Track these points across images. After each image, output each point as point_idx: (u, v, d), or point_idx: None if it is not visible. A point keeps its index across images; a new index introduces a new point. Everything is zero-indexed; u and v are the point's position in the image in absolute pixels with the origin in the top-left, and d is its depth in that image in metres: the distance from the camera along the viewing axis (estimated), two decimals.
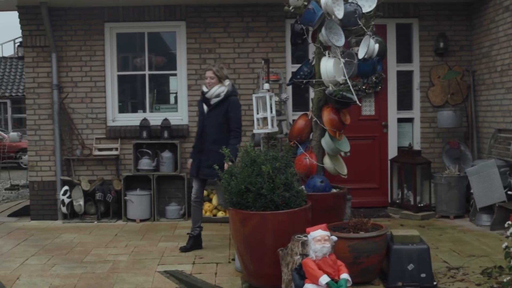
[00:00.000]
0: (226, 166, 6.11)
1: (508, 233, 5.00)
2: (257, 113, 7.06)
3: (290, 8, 6.91)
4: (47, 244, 7.73)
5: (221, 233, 8.20)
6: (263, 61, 7.98)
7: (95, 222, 9.13)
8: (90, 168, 9.56)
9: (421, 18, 9.70)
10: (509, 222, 5.12)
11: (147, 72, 9.82)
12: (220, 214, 9.00)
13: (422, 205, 9.17)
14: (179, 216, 9.26)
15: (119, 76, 9.74)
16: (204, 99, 7.16)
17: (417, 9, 9.64)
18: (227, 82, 7.13)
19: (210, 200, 9.23)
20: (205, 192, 9.19)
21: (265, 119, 7.07)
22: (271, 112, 7.01)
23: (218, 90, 7.05)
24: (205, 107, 7.16)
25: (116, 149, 9.49)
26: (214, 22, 9.54)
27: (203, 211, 8.92)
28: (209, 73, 7.11)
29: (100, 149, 9.52)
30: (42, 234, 8.37)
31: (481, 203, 8.23)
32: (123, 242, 7.77)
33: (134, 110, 9.98)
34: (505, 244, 5.01)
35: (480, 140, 9.42)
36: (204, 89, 7.17)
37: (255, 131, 7.20)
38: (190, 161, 7.46)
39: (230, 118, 7.01)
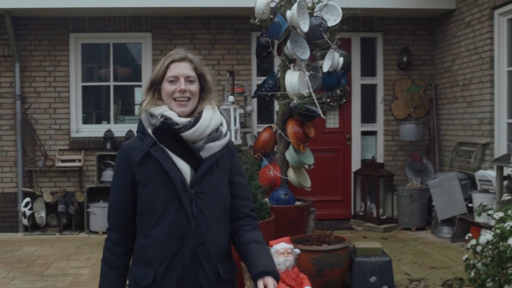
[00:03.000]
0: None
1: (469, 245, 5.07)
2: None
3: (256, 21, 6.94)
4: (7, 257, 7.61)
5: None
6: (228, 74, 8.01)
7: (57, 235, 9.01)
8: (53, 179, 9.45)
9: (385, 33, 9.83)
10: (470, 235, 5.19)
11: (112, 83, 9.77)
12: None
13: (384, 217, 9.25)
14: None
15: (83, 87, 9.67)
16: (175, 144, 2.67)
17: (381, 24, 9.76)
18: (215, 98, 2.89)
19: None
20: None
21: None
22: (235, 124, 7.03)
23: (214, 121, 2.75)
24: (175, 168, 2.65)
25: (80, 160, 9.40)
26: (180, 33, 9.54)
27: None
28: (182, 68, 2.71)
29: (63, 161, 9.42)
30: (2, 247, 8.23)
31: (443, 216, 8.33)
32: (85, 255, 7.69)
33: (98, 121, 9.90)
34: (466, 256, 5.08)
35: (442, 153, 9.56)
36: (171, 115, 2.67)
37: None
38: None
39: (236, 189, 2.83)
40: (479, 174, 7.81)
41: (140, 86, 9.78)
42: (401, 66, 9.80)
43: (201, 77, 2.74)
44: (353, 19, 9.44)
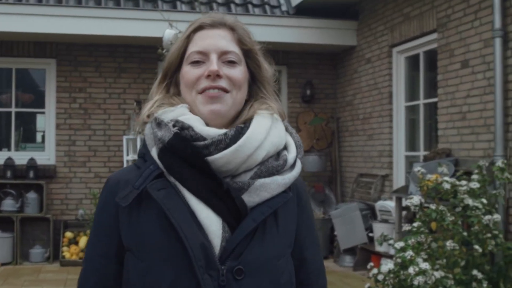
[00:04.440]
0: None
1: (371, 274, 5.25)
2: (127, 155, 7.02)
3: (164, 51, 6.97)
4: None
5: None
6: (135, 102, 7.99)
7: None
8: None
9: (289, 66, 10.08)
10: (372, 264, 5.39)
11: (13, 109, 9.50)
12: None
13: None
14: (44, 259, 8.93)
15: None
16: (196, 176, 1.50)
17: (286, 57, 10.02)
18: (275, 100, 1.68)
19: (76, 243, 8.98)
20: (72, 235, 8.96)
21: (135, 161, 7.06)
22: None
23: (274, 138, 1.56)
24: (191, 223, 1.47)
25: None
26: (85, 61, 9.43)
27: (69, 254, 8.69)
28: (215, 38, 1.58)
29: None
30: None
31: (344, 245, 8.56)
32: None
33: None
34: (368, 284, 5.26)
35: (344, 184, 9.84)
36: (193, 121, 1.53)
37: None
38: None
39: (303, 266, 1.66)
40: (379, 204, 8.10)
41: (43, 113, 9.55)
42: (305, 99, 10.06)
43: (250, 56, 1.62)
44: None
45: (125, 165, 7.01)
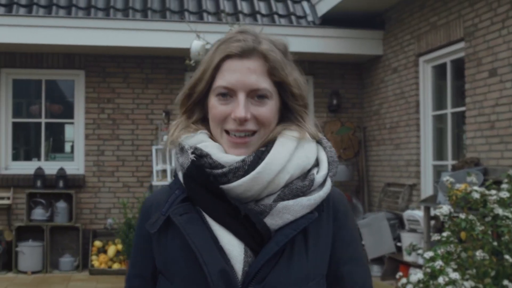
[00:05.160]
0: None
1: (400, 284, 5.24)
2: (157, 165, 7.09)
3: (192, 62, 7.04)
4: None
5: (116, 285, 8.07)
6: (164, 113, 8.06)
7: None
8: None
9: (315, 76, 10.10)
10: (400, 273, 5.37)
11: (43, 120, 9.65)
12: (116, 266, 8.86)
13: None
14: (73, 268, 9.03)
15: (13, 123, 9.51)
16: (214, 202, 1.49)
17: (312, 67, 10.03)
18: (309, 120, 1.59)
19: (105, 252, 9.07)
20: (101, 244, 9.05)
21: (164, 171, 7.12)
22: (171, 164, 7.07)
23: (299, 160, 1.52)
24: (213, 248, 1.46)
25: (8, 198, 9.19)
26: (113, 72, 9.54)
27: (98, 263, 8.78)
28: (244, 73, 1.50)
29: None
30: None
31: (372, 254, 8.53)
32: None
33: (29, 158, 9.75)
34: None
35: (371, 194, 9.82)
36: (211, 148, 1.53)
37: (154, 183, 7.21)
38: None
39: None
40: (407, 214, 8.07)
41: (72, 123, 9.68)
42: (331, 109, 10.07)
43: (283, 87, 1.52)
44: None
45: (154, 175, 7.10)
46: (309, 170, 1.51)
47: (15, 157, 9.62)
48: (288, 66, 1.53)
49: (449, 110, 7.97)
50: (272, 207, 1.44)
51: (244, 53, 1.48)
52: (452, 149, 7.92)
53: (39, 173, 9.11)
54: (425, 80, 8.37)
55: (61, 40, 8.71)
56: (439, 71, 8.27)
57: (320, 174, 1.51)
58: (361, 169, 10.00)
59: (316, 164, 1.54)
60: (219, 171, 1.45)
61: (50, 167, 9.29)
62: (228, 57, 1.49)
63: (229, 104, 1.48)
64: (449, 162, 7.81)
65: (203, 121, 1.58)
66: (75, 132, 9.62)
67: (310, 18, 9.65)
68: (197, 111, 1.58)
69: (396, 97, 8.93)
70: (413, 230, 7.90)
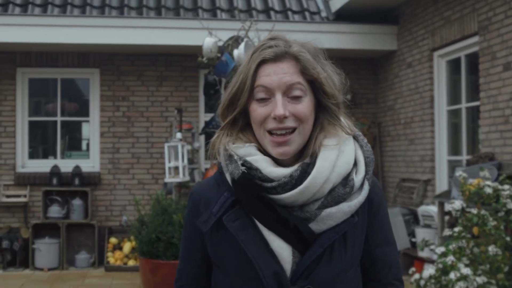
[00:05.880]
0: None
1: (413, 279, 5.23)
2: (169, 162, 7.11)
3: (204, 59, 7.06)
4: None
5: (131, 281, 8.12)
6: (176, 110, 8.08)
7: (0, 272, 8.83)
8: None
9: None
10: (413, 269, 5.36)
11: (59, 118, 9.72)
12: (131, 263, 8.91)
13: None
14: (89, 264, 9.10)
15: (30, 122, 9.59)
16: (265, 211, 1.63)
17: None
18: (345, 120, 1.73)
19: (121, 249, 9.13)
20: (116, 240, 9.11)
21: (176, 168, 7.15)
22: (183, 161, 7.09)
23: (341, 168, 1.63)
24: (265, 252, 1.63)
25: (25, 196, 9.28)
26: (128, 70, 9.59)
27: (114, 260, 8.83)
28: (279, 75, 1.62)
29: (8, 196, 9.28)
30: None
31: None
32: None
33: (45, 156, 9.83)
34: None
35: (386, 189, 9.79)
36: (260, 162, 1.63)
37: (167, 180, 7.23)
38: None
39: (375, 270, 1.77)
40: (422, 209, 8.03)
41: (87, 121, 9.75)
42: (345, 104, 10.01)
43: (316, 85, 1.64)
44: None
45: (166, 172, 7.12)
46: (349, 175, 1.63)
47: (32, 156, 9.70)
48: (319, 65, 1.65)
49: (463, 105, 7.91)
50: (317, 214, 1.59)
51: (277, 57, 1.62)
52: (467, 144, 7.87)
53: (55, 171, 9.18)
54: (440, 75, 8.32)
55: (76, 39, 8.76)
56: (454, 66, 8.21)
57: (358, 178, 1.64)
58: (376, 165, 9.96)
59: (355, 163, 1.66)
60: (269, 184, 1.59)
61: (66, 165, 9.36)
62: (263, 62, 1.62)
63: (268, 105, 1.61)
64: (464, 157, 7.76)
65: (247, 127, 1.70)
66: (90, 130, 9.68)
67: (323, 14, 9.63)
68: (241, 119, 1.69)
69: (411, 92, 8.89)
70: (427, 226, 7.86)
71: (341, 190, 1.60)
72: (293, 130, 1.60)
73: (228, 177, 1.66)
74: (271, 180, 1.58)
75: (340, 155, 1.61)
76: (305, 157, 1.62)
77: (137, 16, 9.04)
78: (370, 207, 1.70)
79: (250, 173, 1.59)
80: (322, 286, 1.60)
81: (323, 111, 1.67)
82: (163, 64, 9.65)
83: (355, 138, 1.69)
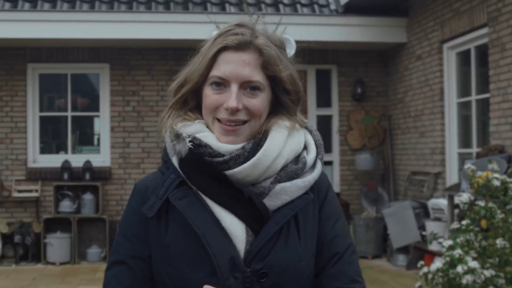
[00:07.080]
0: None
1: (421, 273, 5.21)
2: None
3: None
4: None
5: None
6: None
7: (13, 266, 8.90)
8: (9, 210, 9.36)
9: (339, 65, 10.05)
10: (422, 262, 5.34)
11: (69, 113, 9.77)
12: None
13: None
14: (100, 259, 9.15)
15: (41, 117, 9.64)
16: (217, 187, 1.56)
17: (335, 56, 9.98)
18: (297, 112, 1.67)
19: None
20: None
21: None
22: None
23: (292, 146, 1.60)
24: (216, 231, 1.52)
25: (37, 190, 9.34)
26: (138, 64, 9.61)
27: None
28: (239, 65, 1.56)
29: (19, 191, 9.34)
30: None
31: (398, 244, 8.49)
32: (41, 286, 7.63)
33: (56, 151, 9.88)
34: (419, 283, 5.21)
35: (396, 182, 9.76)
36: (209, 138, 1.57)
37: None
38: None
39: (327, 260, 1.62)
40: (432, 202, 8.00)
41: (98, 116, 9.78)
42: (356, 97, 10.02)
43: (275, 82, 1.58)
44: (309, 52, 9.63)
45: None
46: (300, 154, 1.60)
47: (43, 151, 9.76)
48: (282, 62, 1.58)
49: (473, 97, 7.87)
50: (270, 189, 1.52)
51: (240, 46, 1.55)
52: (477, 136, 7.83)
53: (66, 166, 9.23)
54: (449, 67, 8.27)
55: (85, 34, 8.79)
56: (463, 58, 8.17)
57: (310, 157, 1.61)
58: (386, 158, 9.94)
59: (305, 147, 1.63)
60: (220, 159, 1.51)
61: (77, 160, 9.41)
62: (224, 48, 1.55)
63: (222, 94, 1.55)
64: (474, 149, 7.72)
65: (197, 109, 1.63)
66: (101, 125, 9.72)
67: (333, 7, 9.59)
68: (192, 100, 1.63)
69: (421, 84, 8.85)
70: (438, 219, 7.84)
71: (293, 166, 1.56)
72: (244, 123, 1.55)
73: (175, 160, 1.57)
74: (222, 155, 1.51)
75: (291, 135, 1.58)
76: (256, 136, 1.57)
77: (146, 11, 9.05)
78: (319, 194, 1.64)
79: (200, 150, 1.52)
80: (276, 273, 1.49)
81: (279, 107, 1.61)
82: (173, 58, 9.66)
83: (305, 127, 1.66)
